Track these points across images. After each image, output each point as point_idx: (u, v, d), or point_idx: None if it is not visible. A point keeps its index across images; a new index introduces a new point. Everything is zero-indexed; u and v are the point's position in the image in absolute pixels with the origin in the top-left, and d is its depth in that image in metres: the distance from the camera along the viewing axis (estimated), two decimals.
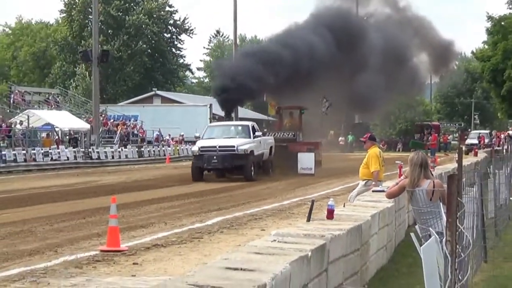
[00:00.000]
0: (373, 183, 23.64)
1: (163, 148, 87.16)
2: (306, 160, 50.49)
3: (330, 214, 16.00)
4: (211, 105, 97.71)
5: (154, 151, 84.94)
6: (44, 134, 72.99)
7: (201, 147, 44.86)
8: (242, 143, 44.28)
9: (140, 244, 21.12)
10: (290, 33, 60.98)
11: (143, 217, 27.20)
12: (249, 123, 49.08)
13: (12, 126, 70.13)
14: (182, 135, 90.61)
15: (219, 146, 43.99)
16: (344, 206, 19.63)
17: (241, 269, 9.68)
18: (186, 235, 23.54)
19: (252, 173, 44.25)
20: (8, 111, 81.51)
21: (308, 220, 16.55)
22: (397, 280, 15.96)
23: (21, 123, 72.49)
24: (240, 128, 48.10)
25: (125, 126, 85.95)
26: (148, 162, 78.75)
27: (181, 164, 71.06)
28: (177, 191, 37.55)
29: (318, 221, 15.92)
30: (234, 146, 43.76)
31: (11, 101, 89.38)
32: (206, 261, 14.38)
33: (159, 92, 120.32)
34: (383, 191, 19.32)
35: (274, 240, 12.48)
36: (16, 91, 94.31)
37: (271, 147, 50.20)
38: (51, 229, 24.56)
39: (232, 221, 27.16)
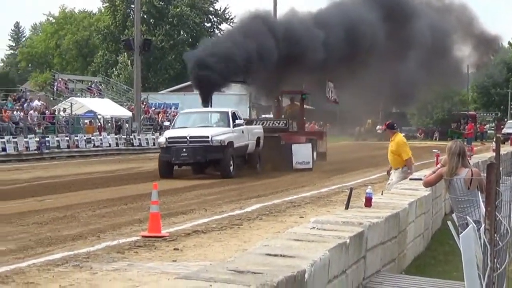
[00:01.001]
0: (409, 170, 23.21)
1: None
2: (302, 152, 43.80)
3: (368, 202, 15.97)
4: (251, 93, 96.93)
5: None
6: (86, 121, 73.30)
7: (169, 137, 38.51)
8: (217, 133, 37.50)
9: (180, 230, 21.15)
10: (332, 10, 53.89)
11: (184, 203, 27.24)
12: (229, 110, 41.76)
13: (56, 113, 70.33)
14: None
15: (190, 137, 37.20)
16: (382, 194, 19.59)
17: (281, 255, 9.67)
18: (226, 221, 23.54)
19: (231, 168, 37.53)
20: (52, 98, 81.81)
21: (347, 207, 16.51)
22: (434, 267, 15.89)
23: (64, 110, 72.73)
24: (217, 115, 41.11)
25: (165, 114, 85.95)
26: None
27: None
28: (217, 178, 37.46)
29: (356, 209, 15.88)
30: (208, 137, 36.88)
31: (55, 89, 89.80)
32: (245, 247, 14.37)
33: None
34: (420, 179, 19.26)
35: (313, 227, 12.47)
36: (60, 79, 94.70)
37: (258, 138, 42.51)
38: (93, 214, 24.64)
39: (271, 208, 27.13)
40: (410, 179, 22.30)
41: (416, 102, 70.87)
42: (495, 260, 5.89)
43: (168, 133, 40.39)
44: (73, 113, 72.44)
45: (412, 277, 14.44)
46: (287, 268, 8.87)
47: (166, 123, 51.07)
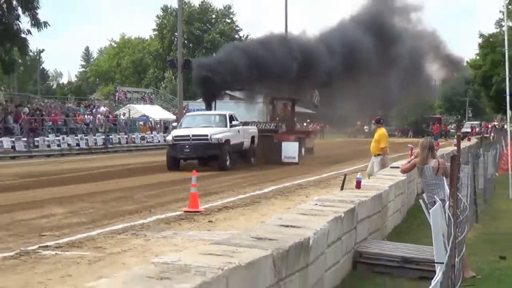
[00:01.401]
0: (383, 157, 24.14)
1: None
2: (290, 149, 41.71)
3: (358, 185, 16.07)
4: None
5: None
6: (141, 123, 73.40)
7: (175, 136, 36.68)
8: (216, 132, 35.55)
9: (213, 207, 21.20)
10: (332, 32, 51.99)
11: (216, 186, 27.26)
12: (227, 112, 39.47)
13: (117, 116, 70.60)
14: None
15: (193, 135, 35.33)
16: (368, 178, 19.67)
17: (291, 226, 9.72)
18: (248, 200, 23.60)
19: (228, 162, 35.70)
20: (114, 105, 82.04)
21: (342, 189, 16.54)
22: (409, 235, 15.92)
23: (123, 114, 73.16)
24: (216, 117, 38.67)
25: None
26: None
27: None
28: (243, 167, 37.40)
29: (349, 190, 15.96)
30: (207, 135, 35.04)
31: (116, 98, 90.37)
32: (264, 219, 14.40)
33: (228, 92, 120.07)
34: (398, 167, 19.47)
35: (316, 204, 12.51)
36: (120, 90, 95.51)
37: (253, 137, 40.47)
38: (146, 195, 24.65)
39: (282, 190, 27.16)
40: (391, 167, 22.53)
41: (395, 108, 70.61)
42: (457, 229, 5.87)
43: (175, 132, 38.59)
44: (131, 116, 72.82)
45: (392, 243, 14.45)
46: (296, 236, 8.92)
47: (174, 124, 49.18)
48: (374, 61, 47.92)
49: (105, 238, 15.44)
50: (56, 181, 29.02)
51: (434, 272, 7.61)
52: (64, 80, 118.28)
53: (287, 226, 9.73)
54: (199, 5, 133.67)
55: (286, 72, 44.38)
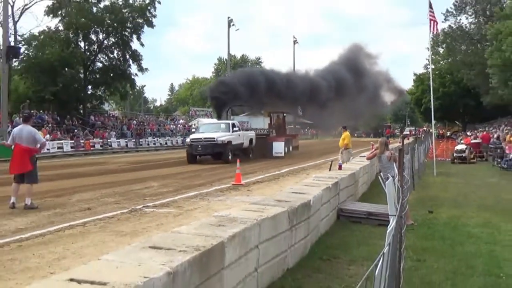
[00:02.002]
0: (347, 150, 25.34)
1: None
2: (278, 146, 39.49)
3: (340, 167, 16.15)
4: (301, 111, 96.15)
5: None
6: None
7: (192, 138, 34.03)
8: (221, 136, 33.03)
9: (250, 181, 21.14)
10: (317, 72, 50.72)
11: (252, 169, 27.19)
12: (230, 122, 36.99)
13: (190, 126, 70.57)
14: None
15: (204, 138, 33.02)
16: (346, 163, 19.59)
17: (299, 193, 9.74)
18: (272, 177, 23.55)
19: (230, 157, 32.49)
20: (188, 119, 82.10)
21: (330, 170, 16.44)
22: (372, 199, 15.78)
23: (194, 124, 73.15)
24: (223, 125, 35.73)
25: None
26: None
27: None
28: (269, 158, 37.28)
29: (334, 171, 15.97)
30: (214, 138, 32.69)
31: (190, 114, 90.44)
32: (282, 189, 14.32)
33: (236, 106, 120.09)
34: (364, 156, 19.59)
35: (314, 179, 12.49)
36: (192, 110, 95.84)
37: (251, 139, 37.79)
38: (209, 174, 24.67)
39: (293, 170, 27.05)
40: (360, 156, 22.65)
41: (362, 118, 70.22)
42: (402, 195, 5.82)
43: (192, 136, 35.52)
44: (198, 125, 72.88)
45: (361, 203, 14.39)
46: (302, 199, 8.97)
47: (193, 129, 48.40)
48: (350, 89, 47.31)
49: (183, 201, 15.45)
50: (153, 166, 29.17)
51: (388, 221, 7.57)
52: (157, 103, 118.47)
53: (296, 193, 9.74)
54: (240, 57, 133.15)
55: (289, 94, 43.45)
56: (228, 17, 66.54)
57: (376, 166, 22.70)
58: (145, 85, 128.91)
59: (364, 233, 11.25)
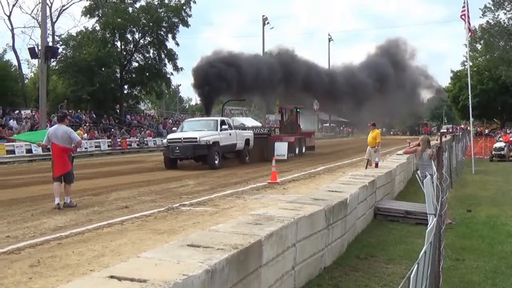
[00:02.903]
0: (377, 147, 23.70)
1: None
2: (280, 148, 33.30)
3: (376, 165, 16.05)
4: (318, 114, 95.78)
5: None
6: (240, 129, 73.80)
7: (169, 139, 28.41)
8: (205, 135, 27.26)
9: (286, 180, 21.10)
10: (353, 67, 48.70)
11: (287, 167, 27.11)
12: (218, 118, 30.88)
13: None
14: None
15: (183, 138, 27.17)
16: (383, 161, 19.40)
17: (335, 191, 9.70)
18: (307, 175, 23.47)
19: (216, 161, 27.26)
20: (231, 117, 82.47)
21: (366, 168, 16.36)
22: (409, 197, 15.66)
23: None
24: (208, 122, 29.76)
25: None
26: None
27: None
28: (297, 159, 37.15)
29: (371, 169, 15.85)
30: (196, 138, 26.90)
31: (224, 113, 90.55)
32: (318, 187, 14.29)
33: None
34: (401, 154, 19.53)
35: (351, 178, 12.44)
36: (227, 109, 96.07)
37: (247, 139, 31.65)
38: (245, 172, 24.69)
39: (329, 168, 26.95)
40: (396, 154, 22.46)
41: (398, 116, 69.62)
42: (441, 193, 5.76)
43: (169, 135, 30.12)
44: (234, 124, 72.85)
45: (398, 201, 14.29)
46: (338, 197, 8.92)
47: (174, 128, 45.42)
48: (387, 85, 45.73)
49: (219, 199, 15.50)
50: (188, 164, 28.96)
51: (425, 220, 7.50)
52: (192, 102, 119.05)
53: (333, 191, 9.71)
54: (276, 55, 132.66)
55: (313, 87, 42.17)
56: (263, 16, 66.74)
57: (413, 164, 22.57)
58: (180, 84, 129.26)
59: (402, 232, 11.16)
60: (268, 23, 66.81)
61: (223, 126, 28.90)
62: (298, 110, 41.23)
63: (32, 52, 39.98)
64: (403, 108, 54.62)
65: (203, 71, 36.20)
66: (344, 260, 8.53)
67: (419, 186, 9.87)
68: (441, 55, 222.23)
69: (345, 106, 53.05)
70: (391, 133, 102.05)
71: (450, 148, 21.33)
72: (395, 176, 16.42)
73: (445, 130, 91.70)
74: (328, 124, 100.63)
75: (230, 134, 29.29)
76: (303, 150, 38.26)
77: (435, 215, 5.00)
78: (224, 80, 35.66)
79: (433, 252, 4.50)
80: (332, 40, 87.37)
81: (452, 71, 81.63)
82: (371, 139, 24.00)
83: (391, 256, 8.89)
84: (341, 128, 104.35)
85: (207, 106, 39.00)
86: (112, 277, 3.88)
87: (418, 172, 13.91)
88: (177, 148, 26.81)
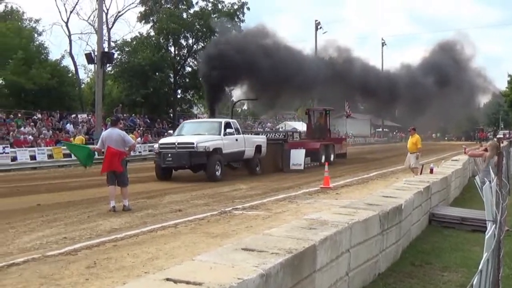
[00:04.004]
0: (418, 153, 22.27)
1: None
2: (297, 156, 28.33)
3: (431, 171, 15.93)
4: (370, 119, 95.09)
5: None
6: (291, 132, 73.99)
7: (160, 144, 23.67)
8: (204, 140, 22.56)
9: (338, 184, 20.99)
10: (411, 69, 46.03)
11: (340, 173, 26.85)
12: (222, 120, 25.63)
13: (278, 128, 70.94)
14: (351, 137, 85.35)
15: (178, 143, 22.34)
16: (438, 167, 19.07)
17: (390, 196, 9.60)
18: (360, 180, 23.32)
19: (218, 172, 22.58)
20: (276, 122, 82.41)
21: (420, 173, 16.14)
22: (465, 203, 15.36)
23: (281, 127, 73.66)
24: (211, 125, 25.07)
25: None
26: None
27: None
28: (358, 162, 36.90)
29: (425, 174, 15.69)
30: (193, 143, 22.16)
31: (277, 118, 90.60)
32: (371, 192, 14.15)
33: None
34: (457, 160, 19.22)
35: (405, 183, 12.30)
36: (280, 113, 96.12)
37: (258, 146, 26.37)
38: (297, 177, 24.58)
39: (382, 174, 26.71)
40: (452, 160, 22.07)
41: (454, 120, 68.08)
42: (501, 200, 5.63)
43: (161, 140, 26.04)
44: (286, 128, 73.16)
45: (453, 208, 14.05)
46: (393, 203, 8.83)
47: (170, 131, 43.38)
48: (443, 88, 42.96)
49: (272, 203, 15.51)
50: (240, 169, 28.80)
51: (482, 227, 7.35)
52: (245, 107, 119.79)
53: (387, 196, 9.60)
54: (328, 59, 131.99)
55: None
56: (316, 20, 66.51)
57: (469, 170, 22.16)
58: (233, 89, 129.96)
59: (458, 238, 10.94)
60: (320, 27, 66.52)
61: (228, 130, 24.34)
62: (328, 112, 37.11)
63: (89, 58, 40.80)
64: (460, 112, 52.54)
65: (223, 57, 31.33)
66: (399, 267, 8.40)
67: (475, 192, 9.70)
68: (497, 59, 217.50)
69: (398, 111, 51.33)
70: (445, 138, 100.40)
71: (508, 154, 20.87)
72: (451, 182, 16.13)
73: (502, 136, 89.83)
74: (381, 129, 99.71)
75: (236, 140, 24.63)
76: (331, 158, 33.10)
77: (494, 221, 4.89)
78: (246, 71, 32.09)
79: (492, 260, 4.40)
80: (385, 44, 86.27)
81: (509, 75, 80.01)
82: (411, 145, 22.39)
83: (447, 263, 8.72)
84: (394, 133, 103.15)
85: (212, 103, 34.13)
86: (167, 279, 3.91)
87: (477, 177, 13.64)
88: (170, 155, 22.21)
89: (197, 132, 23.86)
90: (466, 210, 13.14)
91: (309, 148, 30.40)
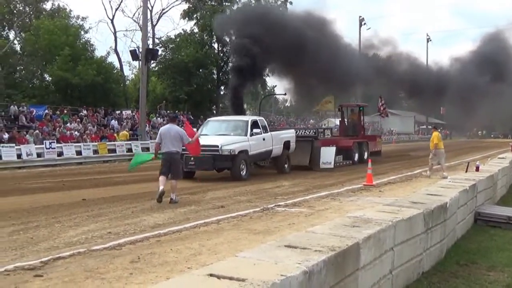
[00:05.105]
0: (433, 150, 23.46)
1: None
2: (327, 154, 26.75)
3: (477, 169, 15.66)
4: (414, 116, 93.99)
5: None
6: (335, 129, 73.59)
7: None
8: (229, 142, 21.00)
9: (381, 182, 20.78)
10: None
11: (383, 170, 26.49)
12: (249, 118, 23.68)
13: (321, 125, 70.58)
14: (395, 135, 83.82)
15: (202, 146, 17.85)
16: (484, 165, 18.74)
17: (434, 194, 9.56)
18: (404, 178, 23.00)
19: (243, 172, 21.22)
20: (318, 119, 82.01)
21: (466, 171, 15.90)
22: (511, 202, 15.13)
23: (324, 124, 73.28)
24: (237, 124, 23.00)
25: None
26: None
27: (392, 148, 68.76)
28: (402, 159, 36.45)
29: (471, 172, 15.54)
30: (217, 146, 20.44)
31: (319, 115, 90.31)
32: (415, 190, 14.01)
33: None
34: (503, 158, 18.90)
35: (450, 181, 12.23)
36: (324, 111, 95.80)
37: (287, 142, 24.75)
38: (340, 174, 24.40)
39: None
40: (498, 157, 21.81)
41: (499, 118, 66.49)
42: None
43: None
44: (328, 125, 72.69)
45: (500, 207, 13.86)
46: (438, 201, 8.76)
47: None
48: (492, 84, 40.72)
49: (314, 201, 15.46)
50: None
51: None
52: (287, 104, 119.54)
53: (431, 194, 9.53)
54: (372, 55, 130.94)
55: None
56: (360, 16, 66.05)
57: None
58: (276, 86, 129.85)
59: (505, 238, 10.76)
60: (364, 23, 66.03)
61: (255, 130, 22.77)
62: (361, 108, 35.43)
63: (134, 54, 41.26)
64: (508, 108, 50.42)
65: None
66: (443, 266, 8.31)
67: None
68: None
69: (444, 108, 50.13)
70: (492, 136, 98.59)
71: None
72: (497, 180, 15.86)
73: None
74: (424, 126, 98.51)
75: (263, 139, 23.13)
76: (365, 156, 31.16)
77: None
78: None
79: None
80: (430, 40, 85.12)
81: None
82: (431, 142, 23.97)
83: (493, 263, 8.59)
84: (439, 130, 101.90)
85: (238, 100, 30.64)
86: (211, 275, 3.95)
87: None
88: (192, 159, 20.32)
89: (221, 132, 22.45)
90: None
91: (341, 146, 29.12)
